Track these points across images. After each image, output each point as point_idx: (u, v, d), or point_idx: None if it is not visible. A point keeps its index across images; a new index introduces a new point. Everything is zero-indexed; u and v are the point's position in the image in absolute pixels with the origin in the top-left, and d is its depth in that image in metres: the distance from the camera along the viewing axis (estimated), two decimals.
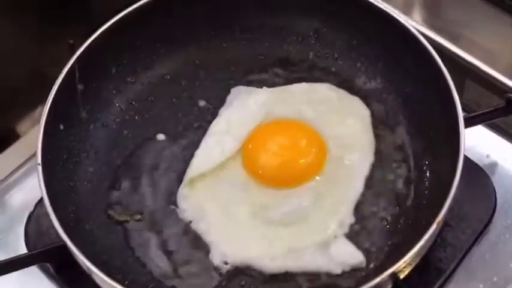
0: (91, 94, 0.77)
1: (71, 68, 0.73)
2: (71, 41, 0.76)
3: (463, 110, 0.73)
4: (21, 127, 0.95)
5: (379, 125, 0.76)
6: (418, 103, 0.75)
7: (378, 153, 0.74)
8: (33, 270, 0.72)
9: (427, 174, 0.72)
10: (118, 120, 0.78)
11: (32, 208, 0.76)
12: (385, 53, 0.78)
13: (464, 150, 0.66)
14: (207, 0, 0.80)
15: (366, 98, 0.78)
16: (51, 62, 0.77)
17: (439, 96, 0.71)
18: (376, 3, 0.76)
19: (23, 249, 0.74)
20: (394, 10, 0.81)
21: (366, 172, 0.73)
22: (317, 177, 0.72)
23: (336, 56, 0.81)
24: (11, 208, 0.80)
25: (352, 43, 0.80)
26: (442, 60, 0.72)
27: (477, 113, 0.73)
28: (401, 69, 0.77)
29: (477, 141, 0.79)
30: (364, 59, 0.80)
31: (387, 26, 0.75)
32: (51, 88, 0.72)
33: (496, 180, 0.76)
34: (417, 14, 0.88)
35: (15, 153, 0.87)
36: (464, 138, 0.67)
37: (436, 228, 0.63)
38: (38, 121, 0.71)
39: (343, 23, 0.80)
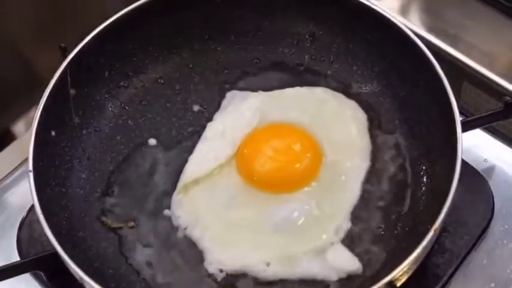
0: (83, 99, 0.76)
1: (62, 72, 0.72)
2: (63, 45, 0.75)
3: (461, 113, 0.72)
4: (17, 128, 0.94)
5: (376, 129, 0.75)
6: (414, 107, 0.74)
7: (374, 158, 0.73)
8: (25, 277, 0.71)
9: (424, 180, 0.71)
10: (111, 125, 0.78)
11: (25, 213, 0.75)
12: (382, 56, 0.77)
13: (461, 154, 0.66)
14: (201, 4, 0.79)
15: (362, 101, 0.77)
16: (47, 63, 0.76)
17: (436, 100, 0.70)
18: (372, 6, 0.75)
19: (15, 255, 0.73)
20: (390, 13, 0.81)
21: (362, 177, 0.72)
22: (313, 183, 0.71)
23: (331, 59, 0.80)
24: (4, 212, 0.79)
25: (348, 46, 0.79)
26: (440, 63, 0.71)
27: (475, 117, 0.72)
28: (398, 72, 0.76)
29: (474, 145, 0.78)
30: (361, 62, 0.79)
31: (383, 29, 0.75)
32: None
33: (493, 184, 0.75)
34: (415, 16, 0.87)
35: (9, 155, 0.87)
36: (461, 142, 0.66)
37: (433, 235, 0.62)
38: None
39: (339, 26, 0.79)
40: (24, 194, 0.73)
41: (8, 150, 0.87)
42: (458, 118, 0.67)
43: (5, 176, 0.82)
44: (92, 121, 0.77)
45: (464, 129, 0.68)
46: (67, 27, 0.90)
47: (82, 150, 0.75)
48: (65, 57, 0.74)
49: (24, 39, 0.90)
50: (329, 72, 0.80)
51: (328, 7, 0.78)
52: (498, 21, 0.84)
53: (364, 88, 0.79)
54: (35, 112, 0.71)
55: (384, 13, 0.75)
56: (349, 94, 0.78)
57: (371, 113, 0.76)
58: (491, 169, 0.77)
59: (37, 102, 0.71)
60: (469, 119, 0.72)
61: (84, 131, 0.76)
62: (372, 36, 0.77)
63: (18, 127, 0.94)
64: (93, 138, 0.76)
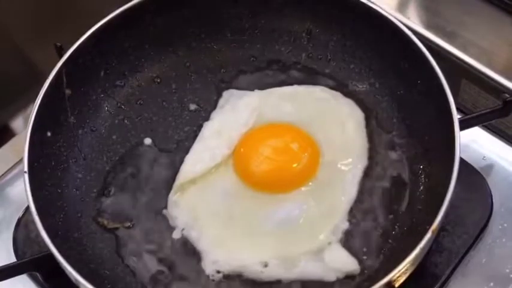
0: (79, 98, 0.75)
1: (57, 72, 0.72)
2: (59, 44, 0.75)
3: (459, 110, 0.72)
4: (15, 124, 0.94)
5: (373, 128, 0.75)
6: (412, 105, 0.74)
7: (371, 157, 0.73)
8: (22, 278, 0.71)
9: (422, 179, 0.71)
10: (107, 124, 0.77)
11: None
12: (379, 54, 0.76)
13: (459, 153, 0.65)
14: (197, 2, 0.79)
15: (359, 100, 0.77)
16: (46, 59, 0.75)
17: (434, 99, 0.69)
18: (369, 4, 0.75)
19: (12, 255, 0.73)
20: (388, 10, 0.80)
21: (360, 177, 0.72)
22: (310, 183, 0.71)
23: (329, 57, 0.80)
24: (1, 211, 0.79)
25: (346, 44, 0.79)
26: (438, 60, 0.71)
27: (473, 115, 0.72)
28: (395, 71, 0.75)
29: (473, 143, 0.78)
30: (358, 60, 0.78)
31: (381, 27, 0.74)
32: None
33: (492, 182, 0.74)
34: (413, 13, 0.86)
35: (8, 152, 0.86)
36: (459, 141, 0.66)
37: (431, 236, 0.62)
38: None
39: (336, 24, 0.78)
40: (22, 192, 0.73)
41: (6, 147, 0.87)
42: (456, 116, 0.67)
43: (3, 174, 0.81)
44: (87, 121, 0.76)
45: (462, 128, 0.68)
46: (66, 25, 0.90)
47: (78, 150, 0.75)
48: (61, 56, 0.74)
49: (24, 35, 0.90)
50: (326, 70, 0.79)
51: (325, 5, 0.78)
52: (497, 18, 0.84)
53: (361, 86, 0.78)
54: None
55: (382, 11, 0.74)
56: (346, 92, 0.78)
57: (368, 111, 0.76)
58: (489, 167, 0.77)
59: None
60: (467, 117, 0.71)
61: (80, 131, 0.75)
62: (369, 35, 0.76)
63: (17, 123, 0.94)
64: (89, 138, 0.76)
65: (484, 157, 0.78)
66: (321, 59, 0.80)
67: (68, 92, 0.74)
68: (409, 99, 0.74)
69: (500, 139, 0.80)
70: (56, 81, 0.72)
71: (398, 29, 0.73)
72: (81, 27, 0.75)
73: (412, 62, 0.72)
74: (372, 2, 0.75)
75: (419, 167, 0.71)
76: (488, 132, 0.80)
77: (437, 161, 0.69)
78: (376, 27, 0.75)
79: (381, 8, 0.75)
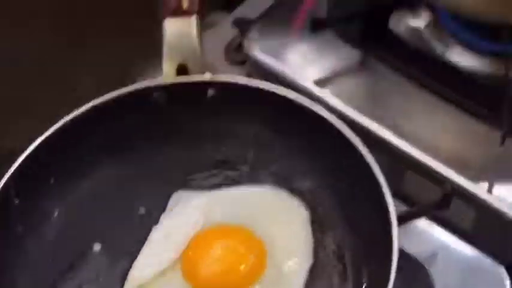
0: (27, 207, 0.75)
1: (5, 185, 0.73)
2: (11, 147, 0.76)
3: (404, 202, 0.73)
4: None
5: (318, 226, 0.76)
6: (354, 203, 0.75)
7: (316, 256, 0.74)
8: None
9: (365, 275, 0.71)
10: (55, 231, 0.77)
11: None
12: (322, 153, 0.78)
13: (398, 248, 0.66)
14: (144, 108, 0.80)
15: (305, 198, 0.78)
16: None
17: (373, 196, 0.71)
18: (312, 107, 0.76)
19: None
20: (333, 102, 0.82)
21: (305, 276, 0.72)
22: (256, 285, 0.72)
23: (275, 156, 0.81)
24: None
25: (291, 144, 0.80)
26: (383, 152, 0.72)
27: (411, 210, 0.73)
28: (338, 169, 0.77)
29: (415, 233, 0.79)
30: (304, 159, 0.80)
31: (323, 128, 0.76)
32: None
33: (435, 273, 0.76)
34: (357, 103, 0.88)
35: None
36: (397, 237, 0.67)
37: None
38: None
39: (281, 125, 0.80)
40: None
41: None
42: (393, 213, 0.67)
43: None
44: (35, 228, 0.76)
45: (401, 222, 0.69)
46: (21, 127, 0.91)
47: (25, 259, 0.74)
48: (12, 160, 0.74)
49: None
50: (273, 169, 0.81)
51: (270, 107, 0.80)
52: (442, 108, 0.86)
53: (307, 184, 0.79)
54: None
55: (323, 114, 0.76)
56: (292, 190, 0.79)
57: (312, 209, 0.77)
58: (432, 256, 0.78)
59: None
60: (406, 212, 0.72)
61: (28, 240, 0.75)
62: (313, 135, 0.78)
63: None
64: (36, 247, 0.75)
65: (427, 247, 0.79)
66: (267, 159, 0.81)
67: (16, 201, 0.74)
68: (350, 196, 0.75)
69: (443, 228, 0.81)
70: (3, 193, 0.72)
71: (338, 131, 0.74)
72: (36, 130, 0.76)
73: (352, 160, 0.74)
74: (315, 104, 0.77)
75: (362, 263, 0.72)
76: (432, 222, 0.81)
77: (379, 257, 0.69)
78: (318, 128, 0.76)
79: (323, 111, 0.76)
